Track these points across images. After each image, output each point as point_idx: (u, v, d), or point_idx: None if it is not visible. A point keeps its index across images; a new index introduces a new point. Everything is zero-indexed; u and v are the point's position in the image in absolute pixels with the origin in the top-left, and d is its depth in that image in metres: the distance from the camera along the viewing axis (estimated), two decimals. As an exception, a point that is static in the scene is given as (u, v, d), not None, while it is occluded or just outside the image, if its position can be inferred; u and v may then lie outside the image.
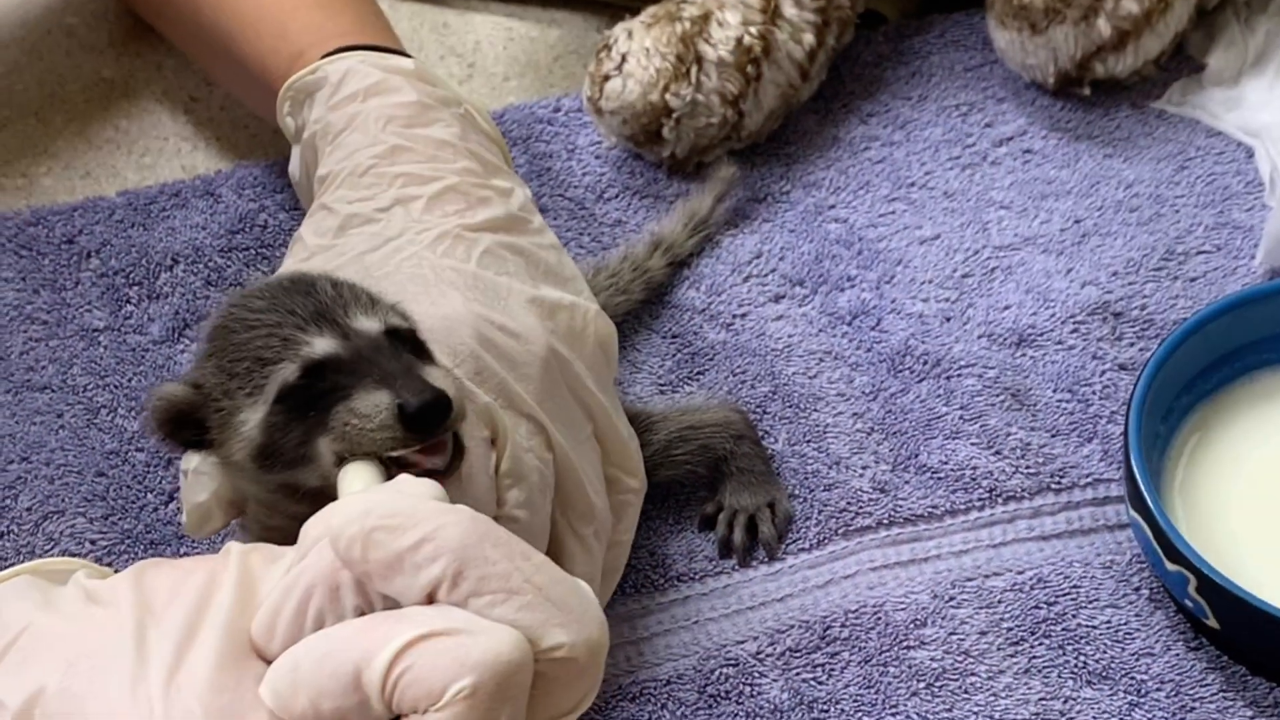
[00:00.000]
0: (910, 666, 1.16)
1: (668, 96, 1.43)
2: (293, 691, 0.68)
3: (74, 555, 1.22)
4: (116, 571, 0.79)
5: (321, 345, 0.92)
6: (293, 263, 1.18)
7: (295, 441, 0.92)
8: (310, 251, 1.18)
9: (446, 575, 0.67)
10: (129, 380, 1.34)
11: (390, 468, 0.89)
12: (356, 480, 0.87)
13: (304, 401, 0.91)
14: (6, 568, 0.84)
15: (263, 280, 1.04)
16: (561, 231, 1.44)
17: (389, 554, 0.68)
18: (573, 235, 1.45)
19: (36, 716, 0.69)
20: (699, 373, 1.34)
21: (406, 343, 0.95)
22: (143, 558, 1.19)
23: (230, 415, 0.94)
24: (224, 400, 0.94)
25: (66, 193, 1.51)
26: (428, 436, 0.89)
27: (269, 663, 0.70)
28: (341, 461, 0.89)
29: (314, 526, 0.71)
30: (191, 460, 1.01)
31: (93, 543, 1.23)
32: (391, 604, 0.69)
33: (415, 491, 0.72)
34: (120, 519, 1.25)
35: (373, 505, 0.69)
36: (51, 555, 1.21)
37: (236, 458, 0.94)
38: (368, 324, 0.94)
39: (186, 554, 1.22)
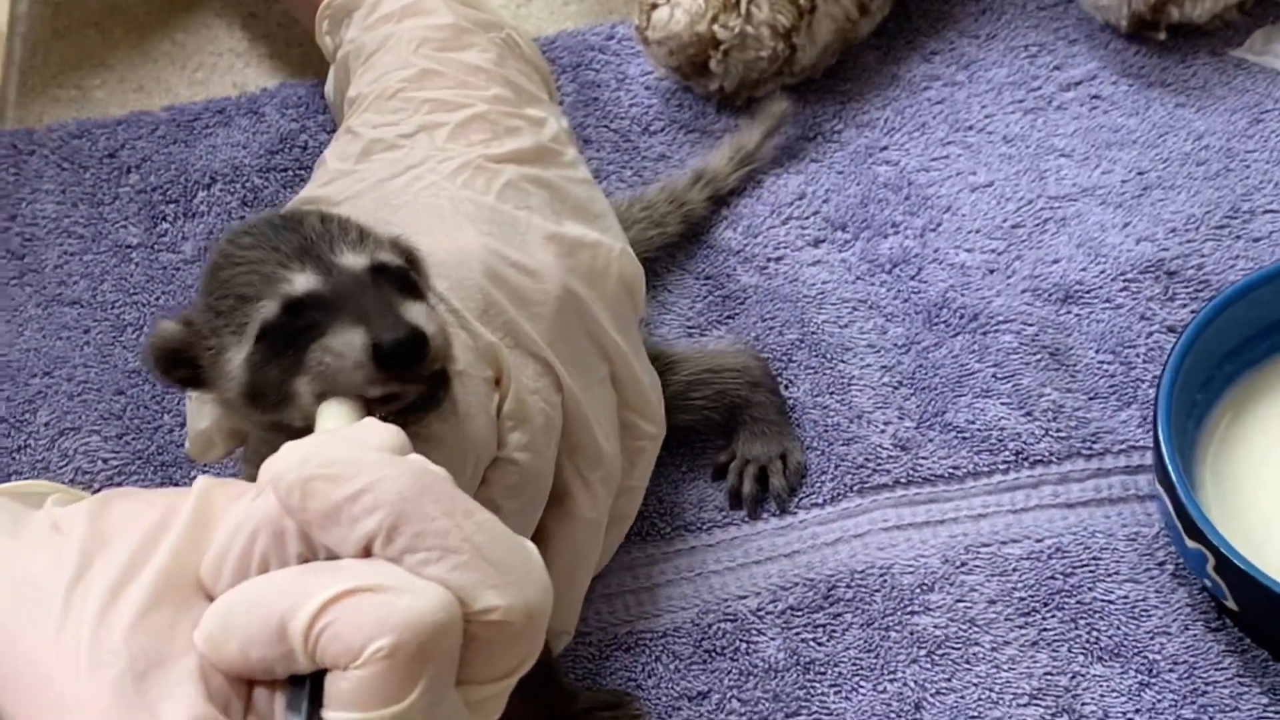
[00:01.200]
0: (912, 633, 1.13)
1: (715, 28, 1.39)
2: (224, 637, 0.66)
3: (87, 473, 1.22)
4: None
5: (302, 282, 0.90)
6: (314, 187, 1.17)
7: (276, 381, 0.89)
8: (331, 176, 1.16)
9: (382, 529, 0.64)
10: (157, 299, 1.34)
11: (374, 405, 0.87)
12: (330, 419, 0.85)
13: (283, 340, 0.89)
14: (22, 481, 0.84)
15: (257, 216, 1.03)
16: (604, 164, 1.42)
17: (327, 504, 0.65)
18: (615, 168, 1.42)
19: None
20: (729, 316, 1.31)
21: (394, 279, 0.92)
22: (154, 479, 1.20)
23: (218, 354, 0.92)
24: (212, 339, 0.93)
25: (118, 106, 1.51)
26: (403, 375, 0.86)
27: None
28: (322, 400, 0.88)
29: (266, 468, 0.69)
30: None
31: (105, 461, 1.23)
32: (334, 555, 0.67)
33: (373, 439, 0.69)
34: (134, 439, 1.25)
35: (313, 453, 0.67)
36: (65, 471, 1.22)
37: (227, 396, 0.93)
38: (353, 260, 0.91)
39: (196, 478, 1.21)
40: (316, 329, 0.87)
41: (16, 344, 1.30)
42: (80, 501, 0.76)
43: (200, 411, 1.01)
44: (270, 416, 0.92)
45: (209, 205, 1.40)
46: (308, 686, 0.64)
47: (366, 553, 0.65)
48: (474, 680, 0.65)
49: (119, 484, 1.21)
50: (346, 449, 0.67)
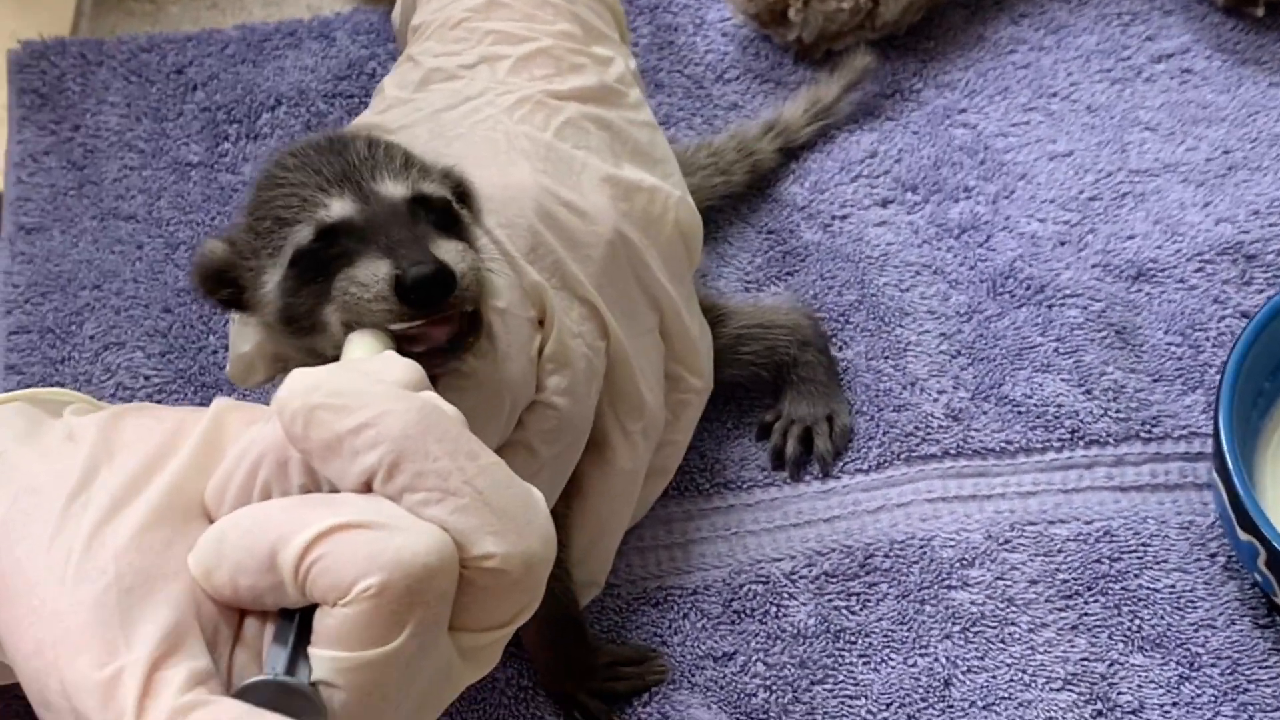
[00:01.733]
0: (948, 607, 1.10)
1: (796, -24, 1.35)
2: (216, 563, 0.65)
3: (128, 388, 1.21)
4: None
5: (338, 209, 0.88)
6: (370, 114, 1.15)
7: (307, 308, 0.88)
8: (388, 103, 1.14)
9: (382, 465, 0.63)
10: (213, 219, 1.32)
11: (401, 341, 0.85)
12: (356, 350, 0.83)
13: (315, 266, 0.87)
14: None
15: (306, 138, 1.01)
16: (674, 110, 1.39)
17: (329, 435, 0.64)
18: (685, 115, 1.39)
19: None
20: (788, 273, 1.28)
21: (433, 212, 0.90)
22: (194, 399, 1.19)
23: (257, 275, 0.91)
24: (252, 260, 0.91)
25: (190, 22, 1.50)
26: (427, 311, 0.84)
27: None
28: (350, 330, 0.86)
29: (278, 395, 0.68)
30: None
31: (147, 378, 1.22)
32: (335, 489, 0.66)
33: (388, 373, 0.68)
34: (178, 357, 1.24)
35: (321, 381, 0.65)
36: (107, 385, 1.21)
37: (266, 319, 0.92)
38: (392, 189, 0.89)
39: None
40: (346, 258, 0.86)
41: (70, 255, 1.29)
42: (98, 413, 0.75)
43: (243, 334, 0.99)
44: (304, 343, 0.90)
45: (272, 128, 1.38)
46: (296, 620, 0.63)
47: (367, 488, 0.63)
48: (467, 628, 0.65)
49: (161, 402, 1.20)
50: (355, 380, 0.65)
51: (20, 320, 1.26)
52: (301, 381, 0.65)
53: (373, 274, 0.83)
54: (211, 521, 0.67)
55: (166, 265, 1.29)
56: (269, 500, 0.66)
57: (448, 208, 0.91)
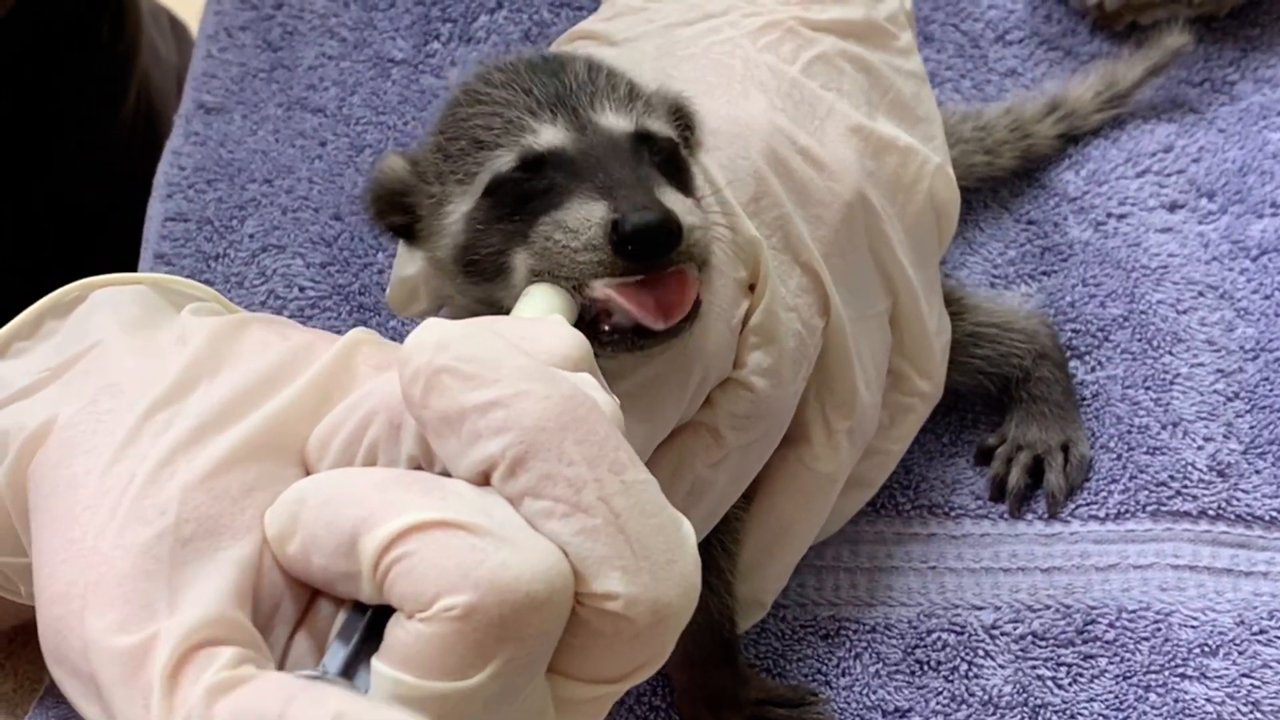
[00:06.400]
0: (1178, 700, 0.91)
1: (1107, -70, 1.16)
2: (290, 529, 0.54)
3: (279, 298, 1.09)
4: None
5: (548, 136, 0.75)
6: (595, 21, 1.01)
7: (493, 248, 0.75)
8: (618, 10, 1.01)
9: (506, 457, 0.51)
10: (406, 124, 1.19)
11: (596, 313, 0.72)
12: (531, 306, 0.70)
13: (513, 201, 0.75)
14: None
15: (516, 53, 0.87)
16: (941, 68, 1.22)
17: (450, 406, 0.52)
18: (952, 76, 1.21)
19: (47, 443, 0.59)
20: (1044, 272, 1.09)
21: (658, 154, 0.77)
22: (350, 321, 1.07)
23: (439, 203, 0.79)
24: (435, 185, 0.79)
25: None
26: (644, 267, 0.70)
27: None
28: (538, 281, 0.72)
29: (404, 346, 0.55)
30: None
31: (302, 290, 1.10)
32: (447, 472, 0.54)
33: (543, 342, 0.55)
34: (340, 271, 1.11)
35: (453, 340, 0.53)
36: (258, 292, 1.09)
37: (441, 254, 0.79)
38: (614, 121, 0.76)
39: (397, 333, 1.06)
40: (553, 195, 0.73)
41: (246, 143, 1.17)
42: (218, 318, 0.65)
43: (410, 256, 0.87)
44: (478, 290, 0.77)
45: (488, 32, 1.25)
46: (367, 618, 0.53)
47: (484, 481, 0.52)
48: (571, 675, 0.53)
49: (311, 318, 1.07)
50: (494, 346, 0.53)
51: (180, 206, 1.14)
52: (430, 335, 0.53)
53: (585, 217, 0.71)
54: (308, 474, 0.57)
55: (347, 168, 1.16)
56: (367, 468, 0.56)
57: (674, 152, 0.79)
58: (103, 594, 0.52)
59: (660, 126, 0.78)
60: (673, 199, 0.73)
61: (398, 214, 0.82)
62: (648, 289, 0.71)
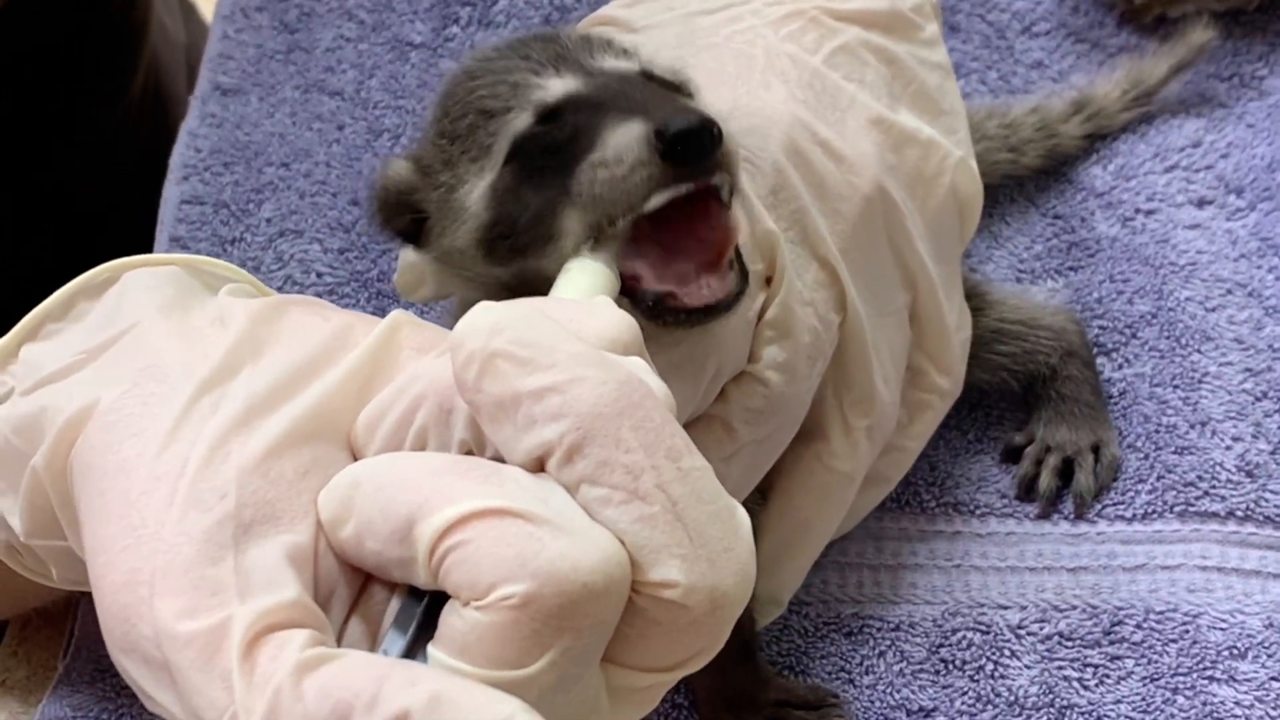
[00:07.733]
0: (1205, 703, 0.90)
1: (1136, -78, 1.15)
2: (344, 514, 0.53)
3: (296, 283, 1.08)
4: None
5: (558, 86, 0.74)
6: (615, 7, 1.00)
7: (533, 215, 0.73)
8: None
9: (563, 443, 0.50)
10: (424, 108, 1.17)
11: (655, 306, 0.71)
12: (571, 285, 0.68)
13: (542, 158, 0.73)
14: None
15: (506, 37, 0.86)
16: (965, 59, 1.20)
17: (505, 391, 0.51)
18: (978, 68, 1.20)
19: (87, 428, 0.58)
20: (1071, 268, 1.08)
21: (669, 87, 0.77)
22: (368, 308, 1.06)
23: (451, 190, 0.77)
24: (444, 173, 0.77)
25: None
26: (694, 171, 0.69)
27: None
28: (596, 238, 0.70)
29: (456, 329, 0.54)
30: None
31: (319, 275, 1.08)
32: (501, 458, 0.53)
33: (593, 325, 0.54)
34: (358, 258, 1.09)
35: (506, 324, 0.52)
36: (275, 277, 1.08)
37: (460, 243, 0.77)
38: (618, 64, 0.76)
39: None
40: (584, 137, 0.72)
41: (263, 125, 1.16)
42: (257, 300, 0.64)
43: None
44: (514, 268, 0.75)
45: (507, 16, 1.23)
46: (423, 605, 0.52)
47: (539, 467, 0.52)
48: (626, 664, 0.53)
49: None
50: (549, 331, 0.53)
51: (195, 189, 1.12)
52: (484, 318, 0.52)
53: (624, 141, 0.70)
54: (356, 459, 0.56)
55: (365, 153, 1.15)
56: (421, 453, 0.55)
57: (681, 88, 0.79)
58: (170, 582, 0.51)
59: (664, 71, 0.78)
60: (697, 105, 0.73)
61: (403, 216, 0.80)
62: (684, 258, 0.71)
